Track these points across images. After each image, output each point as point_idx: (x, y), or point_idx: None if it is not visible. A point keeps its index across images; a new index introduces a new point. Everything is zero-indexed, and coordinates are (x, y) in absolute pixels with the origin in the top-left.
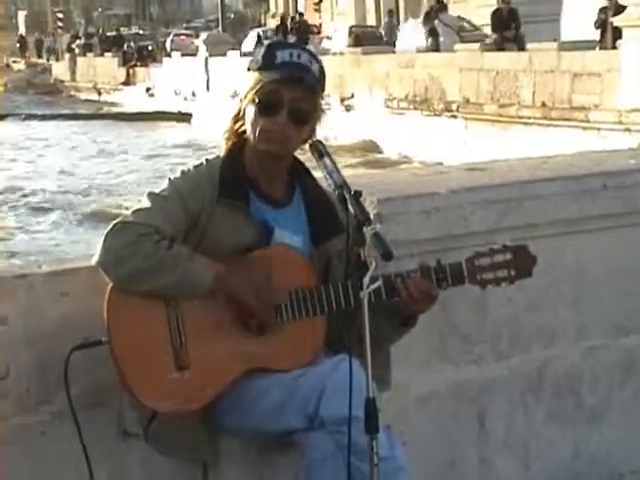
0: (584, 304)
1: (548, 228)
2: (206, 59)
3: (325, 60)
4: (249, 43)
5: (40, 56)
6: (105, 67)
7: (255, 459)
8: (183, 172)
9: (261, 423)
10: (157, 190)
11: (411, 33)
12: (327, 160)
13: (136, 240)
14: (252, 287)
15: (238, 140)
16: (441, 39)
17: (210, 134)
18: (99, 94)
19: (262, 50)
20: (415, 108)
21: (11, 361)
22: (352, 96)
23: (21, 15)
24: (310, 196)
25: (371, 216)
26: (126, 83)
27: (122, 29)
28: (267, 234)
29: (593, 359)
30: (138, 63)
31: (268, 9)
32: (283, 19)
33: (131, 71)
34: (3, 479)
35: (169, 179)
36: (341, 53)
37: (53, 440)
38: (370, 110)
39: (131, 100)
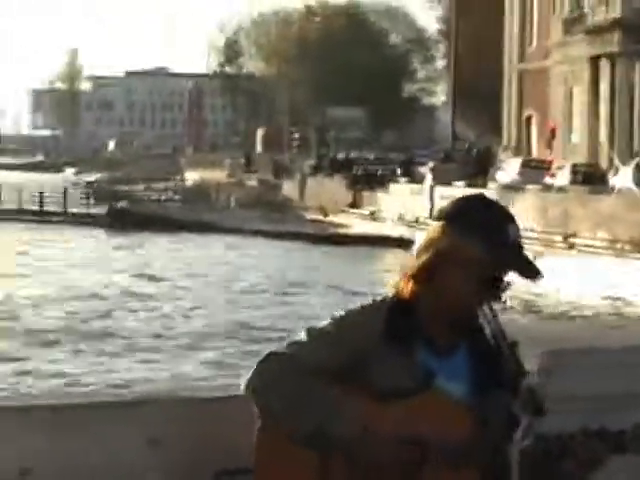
0: None
1: None
2: (431, 187)
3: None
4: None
5: (277, 176)
6: (333, 188)
7: None
8: (348, 312)
9: None
10: (319, 327)
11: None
12: (486, 308)
13: (284, 374)
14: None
15: (416, 289)
16: None
17: None
18: (325, 215)
19: (487, 221)
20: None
21: None
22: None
23: (259, 133)
24: (475, 343)
25: (528, 369)
26: (352, 205)
27: (353, 152)
28: (429, 380)
29: None
30: (365, 186)
31: (499, 141)
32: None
33: (357, 194)
34: None
35: (333, 317)
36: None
37: None
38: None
39: (356, 223)
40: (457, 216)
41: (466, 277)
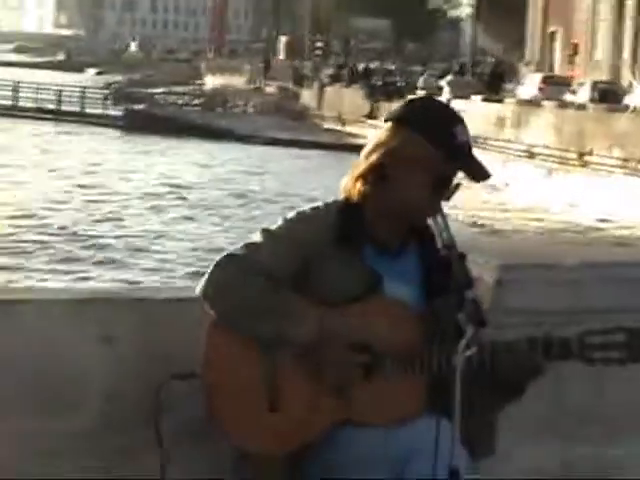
0: None
1: None
2: (448, 100)
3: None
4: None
5: (297, 84)
6: (351, 99)
7: None
8: (299, 213)
9: (345, 476)
10: (272, 227)
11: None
12: (438, 217)
13: (241, 276)
14: (335, 355)
15: (364, 190)
16: None
17: None
18: (342, 124)
19: (434, 120)
20: None
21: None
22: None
23: (282, 40)
24: (426, 249)
25: (473, 280)
26: (370, 116)
27: (373, 63)
28: (377, 284)
29: None
30: (383, 97)
31: (523, 56)
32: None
33: (375, 105)
34: None
35: (284, 218)
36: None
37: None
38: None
39: (372, 134)
40: (407, 116)
41: (416, 176)
